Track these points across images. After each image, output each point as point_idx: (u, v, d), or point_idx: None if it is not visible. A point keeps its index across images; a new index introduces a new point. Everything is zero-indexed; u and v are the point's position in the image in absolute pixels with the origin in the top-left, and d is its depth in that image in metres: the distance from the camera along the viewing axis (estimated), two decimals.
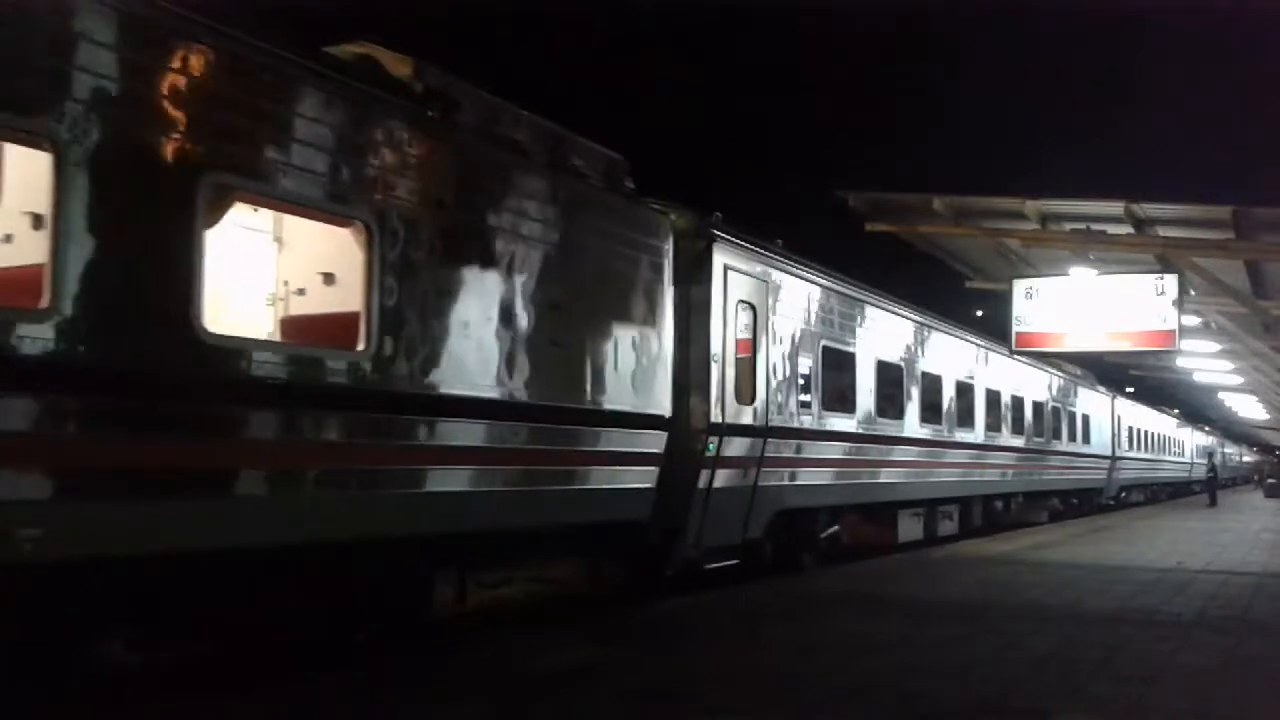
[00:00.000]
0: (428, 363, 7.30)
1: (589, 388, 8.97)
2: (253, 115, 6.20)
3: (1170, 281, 16.49)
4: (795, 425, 12.52)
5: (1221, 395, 48.95)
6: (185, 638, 6.66)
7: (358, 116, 6.92)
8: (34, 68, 5.10)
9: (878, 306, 15.44)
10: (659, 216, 10.25)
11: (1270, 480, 50.25)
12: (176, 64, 5.73)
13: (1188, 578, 12.90)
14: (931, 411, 17.33)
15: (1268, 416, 56.47)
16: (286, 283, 7.71)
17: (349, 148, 6.81)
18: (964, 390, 19.07)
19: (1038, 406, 24.34)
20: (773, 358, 12.04)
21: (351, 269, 6.97)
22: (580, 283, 8.93)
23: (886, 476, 15.48)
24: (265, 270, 7.69)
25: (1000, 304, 19.13)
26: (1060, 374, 26.90)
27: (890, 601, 10.32)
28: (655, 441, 9.85)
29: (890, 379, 15.68)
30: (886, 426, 15.38)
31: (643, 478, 9.72)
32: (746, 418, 11.36)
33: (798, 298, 12.87)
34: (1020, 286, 17.98)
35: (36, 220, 5.65)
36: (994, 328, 20.94)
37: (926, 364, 17.14)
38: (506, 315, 8.02)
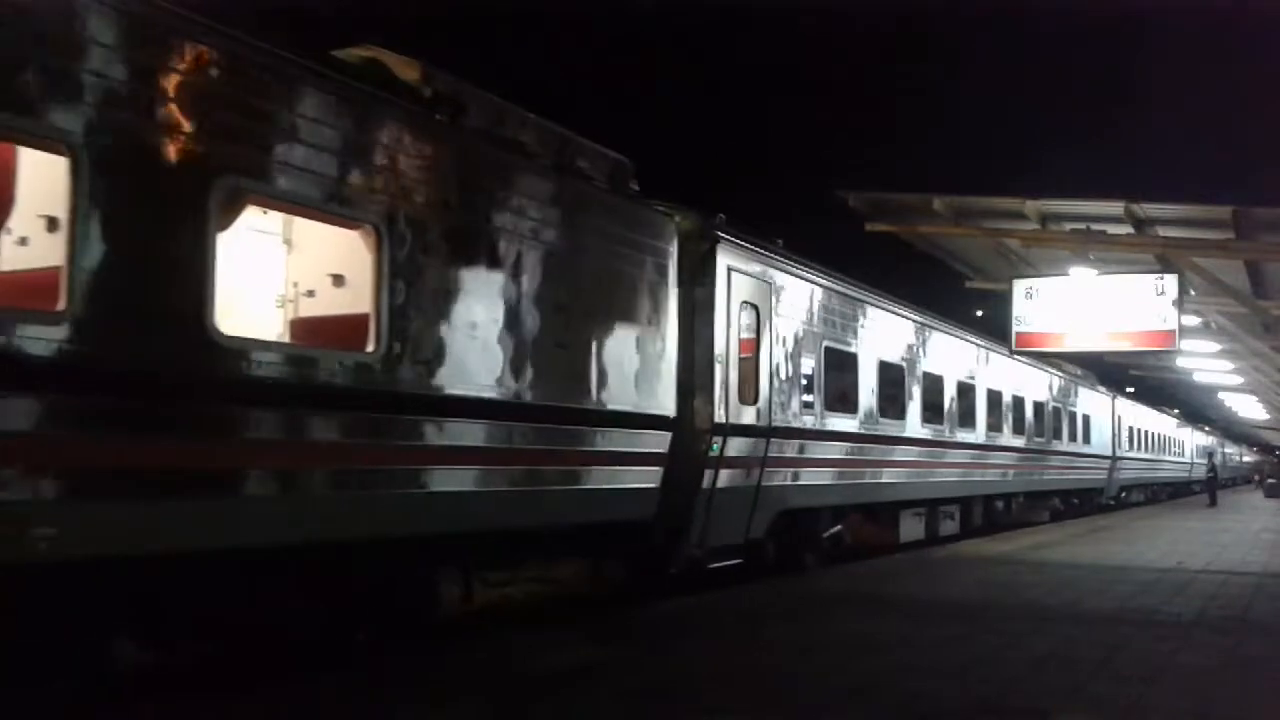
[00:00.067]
0: (440, 364, 7.36)
1: (595, 388, 9.03)
2: (266, 120, 6.26)
3: (1170, 281, 16.53)
4: (798, 425, 12.58)
5: (1221, 395, 48.99)
6: (211, 637, 6.72)
7: (368, 121, 6.98)
8: (53, 73, 5.16)
9: (879, 307, 15.50)
10: (663, 218, 10.31)
11: (1270, 480, 50.28)
12: (191, 70, 5.79)
13: (1188, 578, 12.94)
14: (933, 412, 17.38)
15: (1268, 416, 56.50)
16: (296, 284, 7.77)
17: (360, 152, 6.87)
18: (965, 390, 19.13)
19: (1038, 407, 24.38)
20: (775, 358, 12.10)
21: (361, 271, 7.03)
22: (586, 284, 8.99)
23: (888, 476, 15.54)
24: (275, 272, 7.75)
25: (1000, 304, 19.18)
26: (1061, 374, 26.93)
27: (890, 601, 10.37)
28: (660, 442, 9.91)
29: (892, 379, 15.74)
30: (888, 427, 15.44)
31: (647, 478, 9.79)
32: (750, 418, 11.43)
33: (800, 298, 12.94)
34: (1020, 286, 18.02)
35: (51, 223, 5.72)
36: (994, 328, 20.99)
37: (927, 364, 17.20)
38: (514, 317, 8.08)
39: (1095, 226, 16.78)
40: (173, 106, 5.69)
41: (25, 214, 6.21)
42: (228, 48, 6.06)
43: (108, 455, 5.38)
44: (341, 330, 7.09)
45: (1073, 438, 28.05)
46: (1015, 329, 17.98)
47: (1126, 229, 16.68)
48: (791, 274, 12.73)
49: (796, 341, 12.70)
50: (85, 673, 5.92)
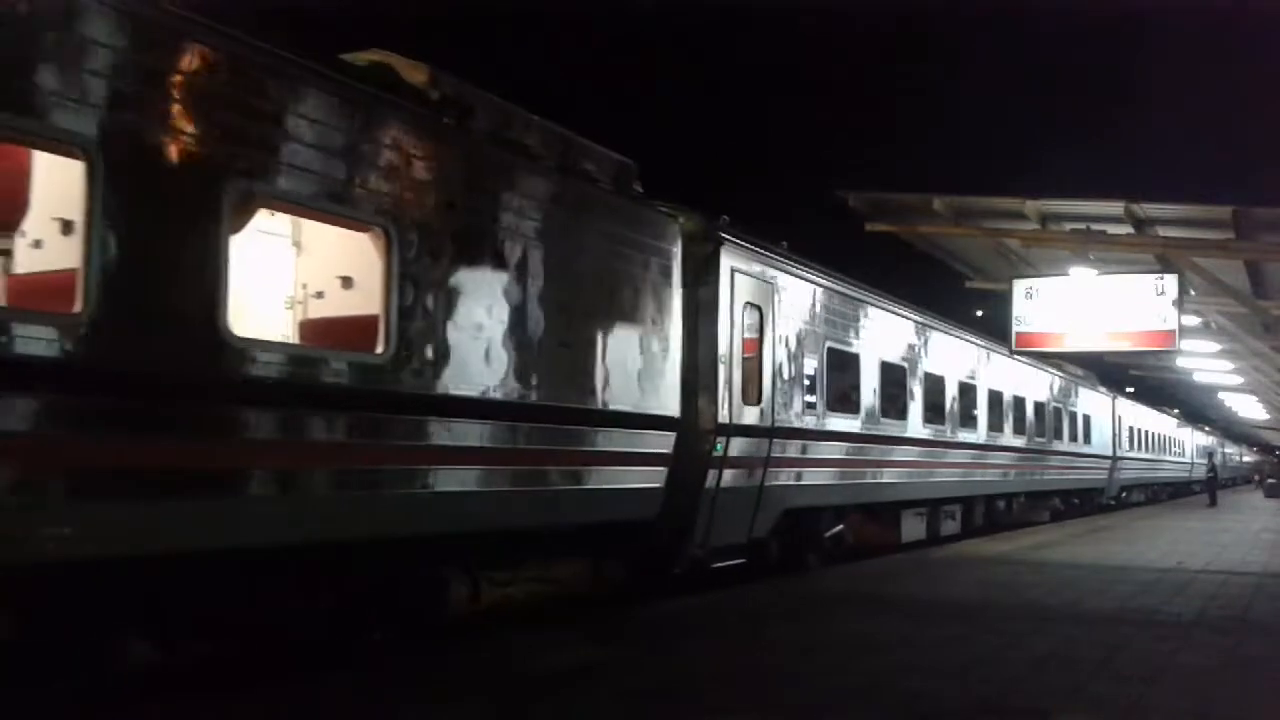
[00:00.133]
0: (450, 366, 7.42)
1: (600, 389, 9.08)
2: (278, 123, 6.31)
3: (1170, 281, 16.55)
4: (801, 425, 12.63)
5: (1221, 395, 49.00)
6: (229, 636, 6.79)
7: (378, 125, 7.03)
8: (72, 80, 5.21)
9: (880, 307, 15.55)
10: (668, 219, 10.37)
11: (1270, 480, 50.31)
12: (204, 75, 5.85)
13: (1188, 578, 12.98)
14: (934, 412, 17.43)
15: (1268, 416, 56.52)
16: (305, 286, 7.83)
17: (371, 155, 6.92)
18: (966, 390, 19.17)
19: (1039, 407, 24.42)
20: (778, 359, 12.16)
21: (370, 273, 7.08)
22: (591, 285, 9.04)
23: (890, 476, 15.59)
24: (284, 274, 7.81)
25: (1000, 304, 19.20)
26: (1061, 374, 26.96)
27: (891, 601, 10.41)
28: (664, 442, 9.97)
29: (893, 379, 15.80)
30: (890, 427, 15.49)
31: (652, 477, 9.84)
32: (753, 418, 11.48)
33: (802, 299, 12.99)
34: (1020, 286, 18.04)
35: (66, 226, 5.77)
36: (994, 328, 21.02)
37: (929, 364, 17.25)
38: (521, 319, 8.13)
39: (1095, 226, 16.80)
40: (187, 111, 5.75)
41: (41, 217, 6.26)
42: (239, 53, 6.11)
43: (131, 456, 5.43)
44: (351, 332, 7.13)
45: (1073, 438, 28.08)
46: (1015, 329, 18.00)
47: (1126, 229, 16.71)
48: (794, 275, 12.79)
49: (799, 342, 12.75)
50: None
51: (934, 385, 17.45)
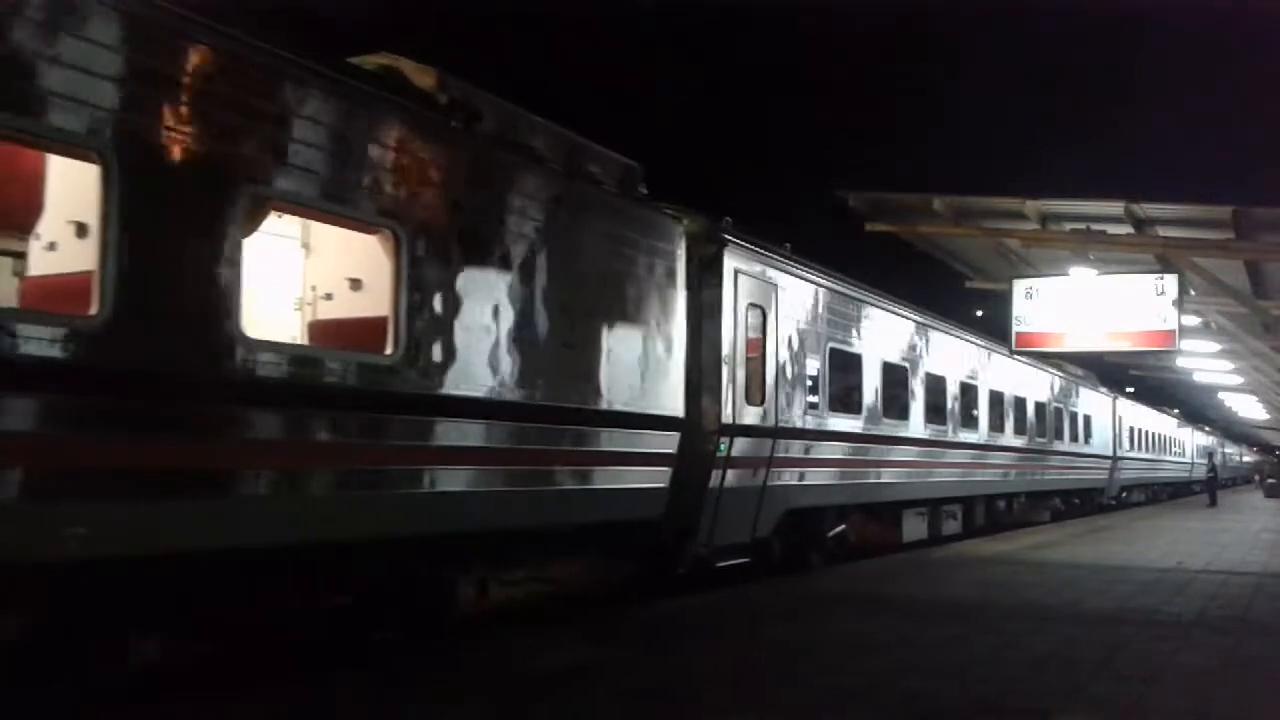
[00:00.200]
0: (458, 367, 7.47)
1: (605, 390, 9.14)
2: (289, 126, 6.36)
3: (1170, 281, 16.60)
4: (803, 425, 12.70)
5: (1221, 395, 49.07)
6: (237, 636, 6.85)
7: (388, 128, 7.09)
8: (88, 85, 5.26)
9: (881, 308, 15.61)
10: (672, 221, 10.42)
11: (1270, 480, 50.33)
12: (217, 79, 5.90)
13: (1188, 578, 13.01)
14: (935, 412, 17.48)
15: (1268, 416, 56.58)
16: (314, 288, 7.88)
17: (380, 158, 6.97)
18: (967, 391, 19.23)
19: (1039, 407, 24.46)
20: (781, 359, 12.22)
21: (379, 275, 7.14)
22: (596, 286, 9.10)
23: (891, 476, 15.65)
24: (294, 275, 7.86)
25: (1000, 304, 19.25)
26: (1061, 374, 27.00)
27: (890, 601, 10.43)
28: (669, 442, 10.02)
29: (895, 380, 15.86)
30: (891, 427, 15.55)
31: (657, 477, 9.89)
32: (756, 418, 11.55)
33: (805, 300, 13.06)
34: (1020, 286, 18.09)
35: (81, 229, 5.83)
36: (994, 328, 21.05)
37: (930, 365, 17.30)
38: (528, 320, 8.19)
39: (1095, 226, 16.84)
40: (201, 115, 5.80)
41: (55, 220, 6.32)
42: (250, 56, 6.16)
43: (150, 456, 5.50)
44: (360, 333, 7.18)
45: (1073, 438, 28.13)
46: (1015, 329, 18.05)
47: (1126, 229, 16.75)
48: (796, 276, 12.85)
49: (801, 342, 12.82)
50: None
51: (935, 385, 17.50)
